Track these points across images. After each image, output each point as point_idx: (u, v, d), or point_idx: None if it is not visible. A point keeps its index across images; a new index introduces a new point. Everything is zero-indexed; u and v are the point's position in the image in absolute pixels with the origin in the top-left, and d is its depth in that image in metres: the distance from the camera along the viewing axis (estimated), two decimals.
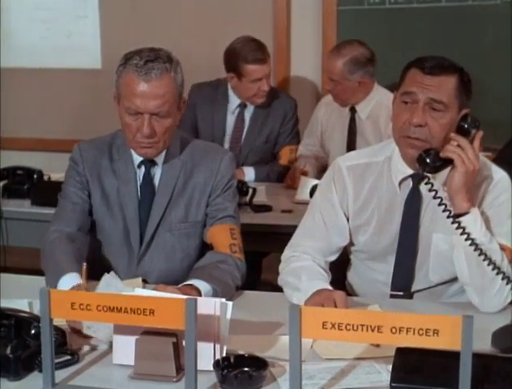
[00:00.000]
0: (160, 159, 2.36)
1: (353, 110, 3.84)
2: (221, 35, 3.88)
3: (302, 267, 2.26)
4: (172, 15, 4.51)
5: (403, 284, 2.32)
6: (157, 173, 2.37)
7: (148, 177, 2.37)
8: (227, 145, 3.91)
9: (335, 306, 1.98)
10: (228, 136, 3.95)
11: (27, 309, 2.03)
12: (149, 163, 2.36)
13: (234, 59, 3.80)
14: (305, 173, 3.63)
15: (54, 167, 3.58)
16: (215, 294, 2.09)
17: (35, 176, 3.58)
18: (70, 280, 2.10)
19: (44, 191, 3.36)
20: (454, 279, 2.30)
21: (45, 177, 3.60)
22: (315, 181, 3.29)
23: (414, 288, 2.33)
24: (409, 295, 2.33)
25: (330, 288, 2.15)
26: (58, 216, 2.40)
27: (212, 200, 2.38)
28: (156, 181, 2.38)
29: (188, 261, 2.39)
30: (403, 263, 2.31)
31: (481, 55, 4.21)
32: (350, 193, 2.33)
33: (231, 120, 3.94)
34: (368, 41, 3.80)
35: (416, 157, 2.16)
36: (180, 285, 2.12)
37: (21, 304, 2.05)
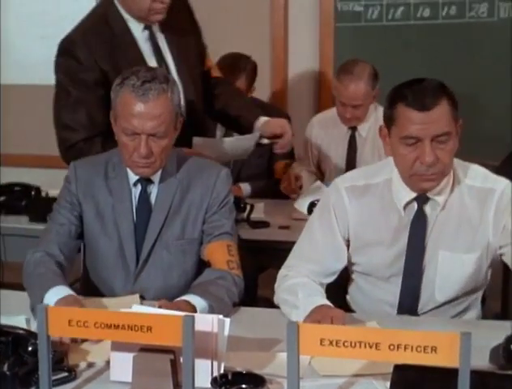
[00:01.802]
0: (156, 177, 2.36)
1: (354, 128, 3.84)
2: (219, 51, 3.87)
3: (298, 284, 2.25)
4: None
5: (409, 305, 2.31)
6: (153, 191, 2.37)
7: (145, 195, 2.37)
8: None
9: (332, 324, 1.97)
10: None
11: (25, 326, 2.02)
12: (145, 181, 2.36)
13: None
14: (299, 177, 3.65)
15: (54, 183, 3.57)
16: (211, 310, 2.08)
17: (33, 192, 3.59)
18: (57, 292, 2.10)
19: (41, 208, 3.35)
20: (459, 298, 2.31)
21: (43, 194, 3.59)
22: (321, 185, 3.39)
23: (420, 309, 2.32)
24: (415, 316, 2.31)
25: (329, 303, 2.14)
26: (44, 239, 2.38)
27: (209, 217, 2.38)
28: (153, 199, 2.37)
29: (185, 278, 2.39)
30: (410, 284, 2.29)
31: (479, 71, 4.23)
32: (350, 214, 2.31)
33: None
34: (365, 58, 3.80)
35: (429, 187, 2.17)
36: (175, 300, 2.12)
37: (18, 320, 2.04)
